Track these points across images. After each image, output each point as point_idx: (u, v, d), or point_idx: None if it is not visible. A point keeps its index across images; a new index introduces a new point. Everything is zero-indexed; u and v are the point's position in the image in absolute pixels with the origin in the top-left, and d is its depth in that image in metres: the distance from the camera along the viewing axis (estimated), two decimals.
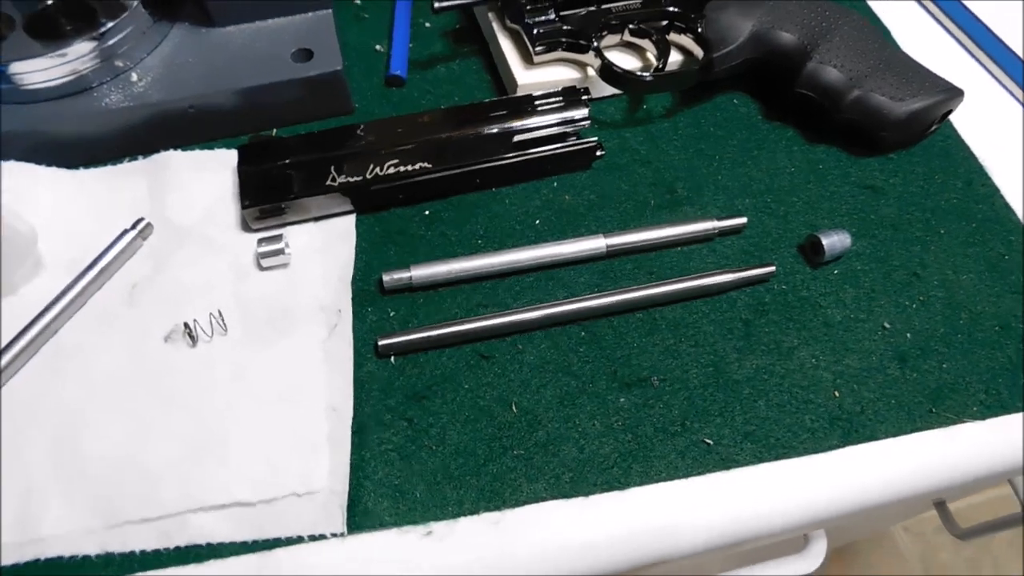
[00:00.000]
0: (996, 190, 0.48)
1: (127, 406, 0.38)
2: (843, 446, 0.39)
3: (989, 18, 0.56)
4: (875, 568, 1.20)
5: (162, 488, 0.36)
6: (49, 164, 0.46)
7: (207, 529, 0.35)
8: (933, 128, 0.49)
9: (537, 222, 0.46)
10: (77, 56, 0.45)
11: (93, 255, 0.43)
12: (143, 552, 0.35)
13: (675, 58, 0.51)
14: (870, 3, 0.58)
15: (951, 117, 0.50)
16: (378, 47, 0.55)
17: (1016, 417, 0.40)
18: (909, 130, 0.48)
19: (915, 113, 0.46)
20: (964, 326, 0.43)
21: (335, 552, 0.35)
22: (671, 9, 0.50)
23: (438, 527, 0.36)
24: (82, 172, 0.47)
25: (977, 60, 0.55)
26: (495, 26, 0.52)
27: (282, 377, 0.40)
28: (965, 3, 0.57)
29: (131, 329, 0.41)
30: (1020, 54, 0.54)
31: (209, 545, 0.35)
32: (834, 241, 0.44)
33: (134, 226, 0.44)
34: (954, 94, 0.47)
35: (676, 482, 0.38)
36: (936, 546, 1.22)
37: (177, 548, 0.35)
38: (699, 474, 0.38)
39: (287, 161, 0.45)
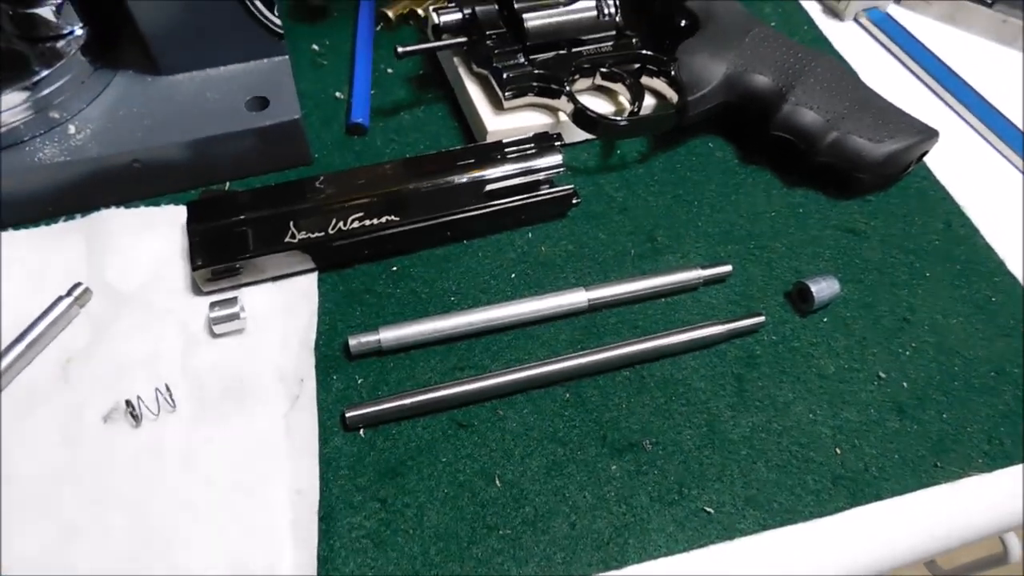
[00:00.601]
0: (975, 230, 0.47)
1: (60, 500, 0.34)
2: (850, 507, 0.36)
3: (953, 63, 0.56)
4: None
5: None
6: None
7: None
8: (909, 169, 0.48)
9: (513, 275, 0.44)
10: (8, 107, 0.42)
11: (22, 327, 0.38)
12: None
13: (648, 102, 0.49)
14: (840, 52, 0.57)
15: (925, 158, 0.50)
16: (338, 94, 0.52)
17: (1021, 468, 0.38)
18: (887, 172, 0.47)
19: (893, 154, 0.46)
20: (959, 372, 0.41)
21: None
22: (643, 52, 0.48)
23: None
24: (11, 233, 0.43)
25: (944, 102, 0.55)
26: (461, 71, 0.50)
27: (239, 458, 0.36)
28: (930, 49, 0.57)
29: (65, 410, 0.37)
30: (986, 96, 0.54)
31: None
32: (823, 287, 0.42)
33: (69, 292, 0.40)
34: (930, 135, 0.47)
35: (677, 556, 0.35)
36: None
37: None
38: (701, 546, 0.35)
39: (241, 217, 0.41)
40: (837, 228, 0.47)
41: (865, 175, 0.46)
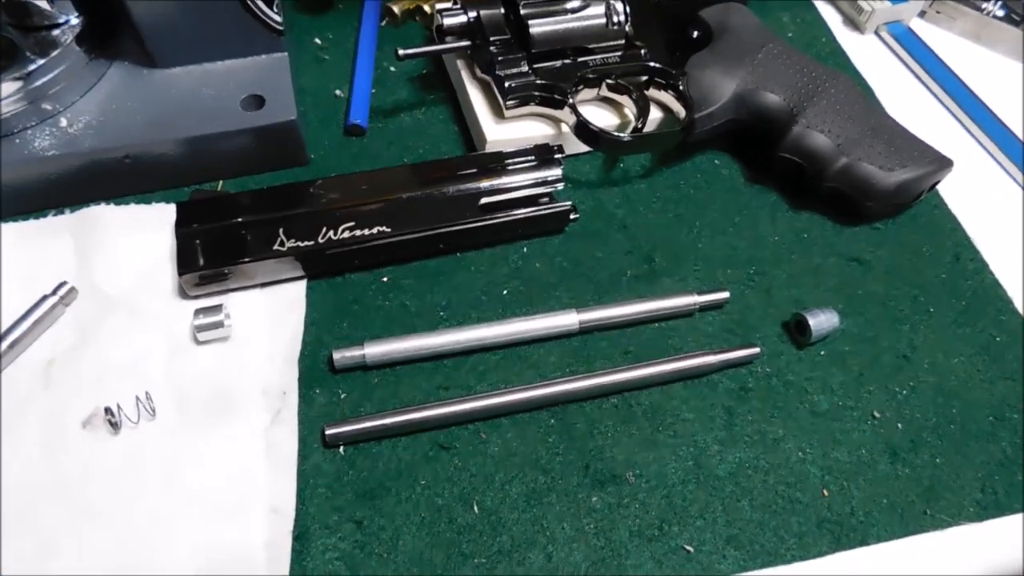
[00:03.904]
0: (985, 265, 0.46)
1: (35, 509, 0.34)
2: (833, 552, 0.36)
3: (975, 84, 0.54)
4: None
5: None
6: None
7: None
8: (921, 198, 0.47)
9: (505, 292, 0.43)
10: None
11: (6, 324, 0.38)
12: None
13: (654, 115, 0.48)
14: (857, 66, 0.55)
15: (939, 186, 0.48)
16: (338, 92, 0.51)
17: (1014, 519, 0.37)
18: (897, 201, 0.45)
19: (904, 184, 0.44)
20: (957, 416, 0.40)
21: None
22: (652, 64, 0.47)
23: None
24: None
25: (963, 126, 0.53)
26: (464, 75, 0.48)
27: (217, 472, 0.35)
28: (952, 68, 0.55)
29: (45, 414, 0.36)
30: (1007, 122, 0.52)
31: None
32: (821, 321, 0.41)
33: (55, 291, 0.40)
34: (943, 164, 0.45)
35: None
36: None
37: None
38: None
39: (231, 221, 0.41)
40: (842, 256, 0.46)
41: (874, 203, 0.45)
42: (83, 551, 0.33)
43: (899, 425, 0.40)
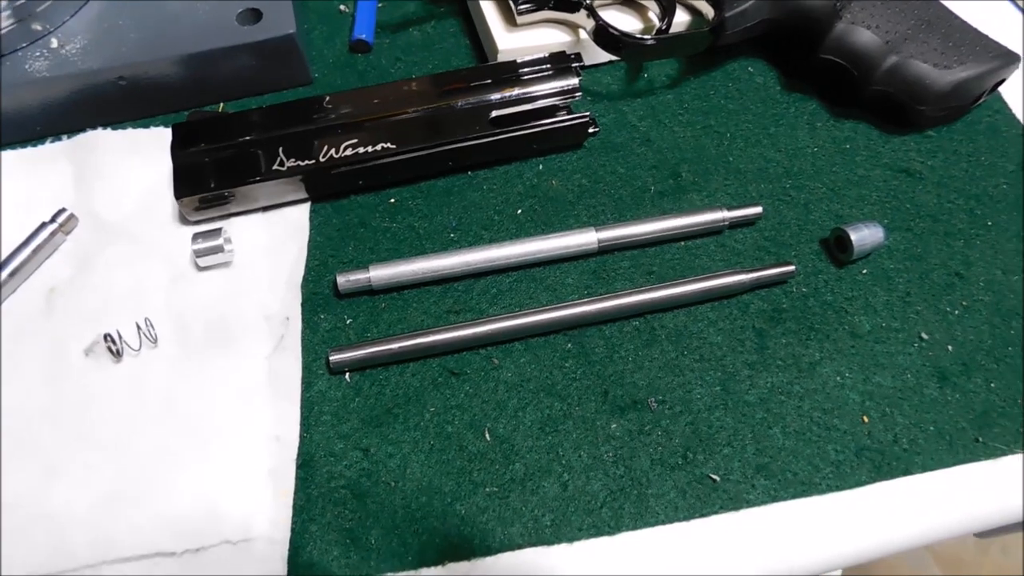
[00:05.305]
0: None
1: (38, 436, 0.33)
2: (873, 482, 0.33)
3: None
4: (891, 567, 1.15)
5: (73, 536, 0.30)
6: None
7: None
8: (980, 100, 0.42)
9: (519, 211, 0.40)
10: None
11: (6, 252, 0.37)
12: None
13: (681, 18, 0.44)
14: None
15: (1000, 88, 0.43)
16: (343, 7, 0.48)
17: None
18: (953, 103, 0.41)
19: (962, 83, 0.40)
20: (1015, 337, 0.36)
21: None
22: None
23: None
24: None
25: None
26: None
27: (219, 400, 0.34)
28: None
29: (47, 342, 0.35)
30: None
31: None
32: (864, 236, 0.37)
33: (54, 218, 0.38)
34: (1009, 60, 0.40)
35: (675, 525, 0.32)
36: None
37: None
38: (702, 516, 0.32)
39: (230, 142, 0.39)
40: (888, 168, 0.42)
41: (927, 107, 0.41)
42: (86, 478, 0.32)
43: (949, 347, 0.36)
